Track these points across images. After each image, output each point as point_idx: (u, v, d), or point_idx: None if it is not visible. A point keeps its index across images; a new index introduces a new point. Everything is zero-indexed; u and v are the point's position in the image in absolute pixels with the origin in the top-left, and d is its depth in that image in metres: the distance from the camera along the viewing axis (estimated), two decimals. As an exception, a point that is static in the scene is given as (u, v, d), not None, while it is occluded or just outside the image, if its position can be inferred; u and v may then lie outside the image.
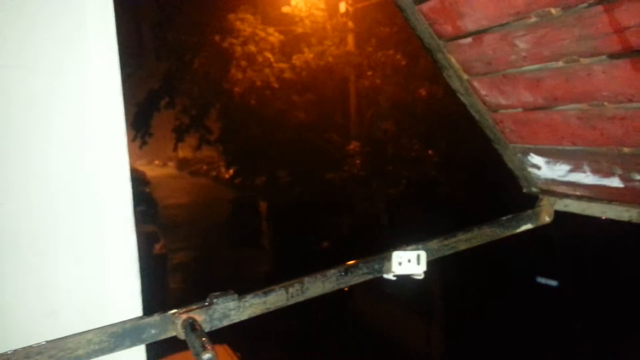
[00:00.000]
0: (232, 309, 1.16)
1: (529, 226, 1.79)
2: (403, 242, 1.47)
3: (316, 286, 1.31)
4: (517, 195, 1.92)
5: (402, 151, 12.87)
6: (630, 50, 1.10)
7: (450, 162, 11.85)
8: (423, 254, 1.43)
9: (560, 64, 1.27)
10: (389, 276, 1.45)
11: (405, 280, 1.46)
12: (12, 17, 1.13)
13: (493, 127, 1.70)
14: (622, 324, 6.76)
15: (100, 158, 1.26)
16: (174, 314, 1.10)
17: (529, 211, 1.80)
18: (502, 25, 1.29)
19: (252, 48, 13.27)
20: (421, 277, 1.45)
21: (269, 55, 13.37)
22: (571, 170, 1.62)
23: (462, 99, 1.67)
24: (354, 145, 13.80)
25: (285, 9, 13.14)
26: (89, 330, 1.02)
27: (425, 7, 1.43)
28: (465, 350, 8.49)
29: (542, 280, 8.67)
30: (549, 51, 1.26)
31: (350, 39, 13.65)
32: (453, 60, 1.55)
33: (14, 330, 1.20)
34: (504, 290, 8.34)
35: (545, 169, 1.71)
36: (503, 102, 1.56)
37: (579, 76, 1.27)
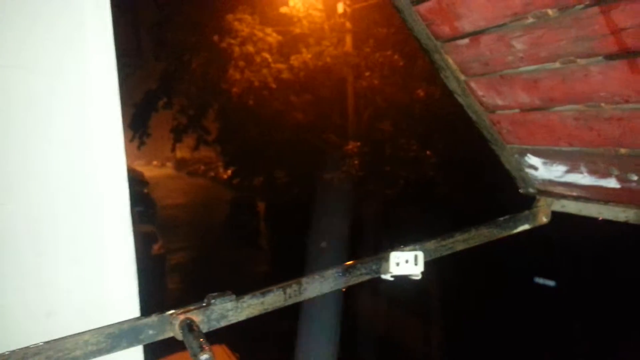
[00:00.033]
0: (229, 310, 1.16)
1: (526, 227, 1.80)
2: (401, 242, 1.47)
3: (314, 287, 1.31)
4: (514, 195, 1.92)
5: (399, 152, 12.88)
6: (627, 51, 1.10)
7: (448, 163, 11.87)
8: (420, 255, 1.44)
9: (557, 64, 1.27)
10: (387, 277, 1.45)
11: (403, 280, 1.46)
12: (12, 17, 1.13)
13: (490, 128, 1.70)
14: (620, 324, 6.77)
15: (98, 158, 1.26)
16: (171, 314, 1.11)
17: (526, 212, 1.81)
18: (499, 26, 1.29)
19: (250, 48, 13.26)
20: (419, 277, 1.45)
21: (266, 55, 13.36)
22: (568, 171, 1.62)
23: (460, 99, 1.67)
24: (351, 146, 13.81)
25: (283, 10, 13.13)
26: (87, 331, 1.02)
27: (422, 8, 1.43)
28: (464, 351, 8.50)
29: (540, 280, 8.69)
30: (545, 52, 1.26)
31: (348, 39, 13.65)
32: (450, 61, 1.55)
33: (13, 330, 1.20)
34: (502, 291, 8.35)
35: (542, 169, 1.71)
36: (500, 102, 1.57)
37: (575, 77, 1.27)
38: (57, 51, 1.19)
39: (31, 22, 1.15)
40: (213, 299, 1.15)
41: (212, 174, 33.13)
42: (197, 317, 1.12)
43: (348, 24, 13.55)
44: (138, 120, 16.57)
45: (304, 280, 1.29)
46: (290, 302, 1.26)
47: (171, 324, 1.10)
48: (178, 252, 15.54)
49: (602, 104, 1.28)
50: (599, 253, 7.24)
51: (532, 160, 1.71)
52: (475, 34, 1.38)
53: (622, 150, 1.37)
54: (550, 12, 1.15)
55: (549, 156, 1.63)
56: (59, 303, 1.23)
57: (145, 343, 1.11)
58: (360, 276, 1.40)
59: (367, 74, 13.54)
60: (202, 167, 35.88)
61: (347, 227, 13.14)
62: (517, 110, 1.55)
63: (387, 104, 13.24)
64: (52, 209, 1.21)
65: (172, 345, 1.21)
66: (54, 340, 0.99)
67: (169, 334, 1.11)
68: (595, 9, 1.07)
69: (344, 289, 1.39)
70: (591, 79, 1.24)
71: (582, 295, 7.48)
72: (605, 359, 6.94)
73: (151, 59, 17.17)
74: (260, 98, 13.73)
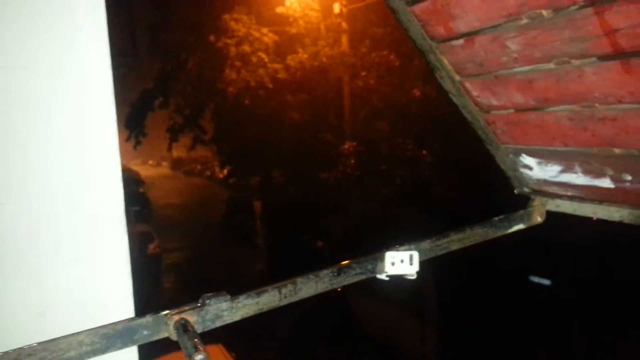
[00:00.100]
0: (224, 310, 1.16)
1: (521, 226, 1.80)
2: (396, 242, 1.47)
3: (309, 287, 1.31)
4: (509, 195, 1.93)
5: (395, 151, 12.90)
6: (621, 52, 1.11)
7: (443, 163, 11.89)
8: (416, 254, 1.44)
9: (552, 65, 1.28)
10: (382, 276, 1.45)
11: (398, 280, 1.47)
12: (12, 17, 1.13)
13: (485, 128, 1.71)
14: (617, 323, 6.80)
15: (94, 158, 1.26)
16: (166, 314, 1.10)
17: (521, 211, 1.81)
18: (493, 26, 1.29)
19: (246, 48, 13.26)
20: (414, 277, 1.45)
21: (263, 55, 13.36)
22: (563, 171, 1.63)
23: (455, 99, 1.67)
24: (348, 145, 13.82)
25: (280, 10, 13.13)
26: (81, 332, 1.02)
27: (417, 8, 1.43)
28: (460, 350, 8.52)
29: (535, 279, 8.71)
30: (540, 53, 1.27)
31: (344, 39, 13.66)
32: (445, 61, 1.55)
33: (9, 329, 1.20)
34: (497, 290, 8.37)
35: (537, 169, 1.72)
36: (495, 103, 1.57)
37: (570, 78, 1.27)
38: (58, 51, 1.19)
39: (31, 22, 1.15)
40: (208, 299, 1.14)
41: (208, 173, 33.10)
42: (191, 317, 1.12)
43: (344, 24, 13.56)
44: (134, 120, 16.52)
45: (299, 280, 1.28)
46: (285, 302, 1.26)
47: (166, 324, 1.09)
48: (174, 252, 15.53)
49: (597, 105, 1.29)
50: (593, 252, 7.27)
51: (527, 160, 1.71)
52: (470, 35, 1.38)
53: (616, 151, 1.38)
54: (544, 12, 1.15)
55: (544, 156, 1.63)
56: (52, 303, 1.23)
57: (140, 343, 1.11)
58: (355, 276, 1.40)
59: (363, 73, 13.56)
60: (198, 167, 35.83)
61: (343, 227, 13.17)
62: (511, 111, 1.55)
63: (383, 103, 13.27)
64: (52, 209, 1.21)
65: (167, 345, 1.21)
66: (48, 340, 0.98)
67: (163, 335, 1.10)
68: (590, 10, 1.07)
69: (339, 289, 1.39)
70: (585, 79, 1.24)
71: (577, 294, 7.51)
72: (602, 358, 6.97)
73: (147, 58, 17.12)
74: (257, 98, 13.73)
